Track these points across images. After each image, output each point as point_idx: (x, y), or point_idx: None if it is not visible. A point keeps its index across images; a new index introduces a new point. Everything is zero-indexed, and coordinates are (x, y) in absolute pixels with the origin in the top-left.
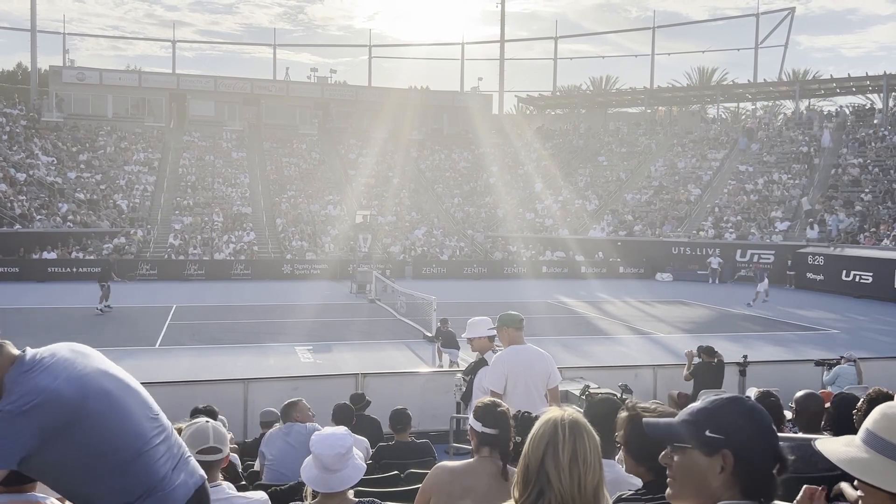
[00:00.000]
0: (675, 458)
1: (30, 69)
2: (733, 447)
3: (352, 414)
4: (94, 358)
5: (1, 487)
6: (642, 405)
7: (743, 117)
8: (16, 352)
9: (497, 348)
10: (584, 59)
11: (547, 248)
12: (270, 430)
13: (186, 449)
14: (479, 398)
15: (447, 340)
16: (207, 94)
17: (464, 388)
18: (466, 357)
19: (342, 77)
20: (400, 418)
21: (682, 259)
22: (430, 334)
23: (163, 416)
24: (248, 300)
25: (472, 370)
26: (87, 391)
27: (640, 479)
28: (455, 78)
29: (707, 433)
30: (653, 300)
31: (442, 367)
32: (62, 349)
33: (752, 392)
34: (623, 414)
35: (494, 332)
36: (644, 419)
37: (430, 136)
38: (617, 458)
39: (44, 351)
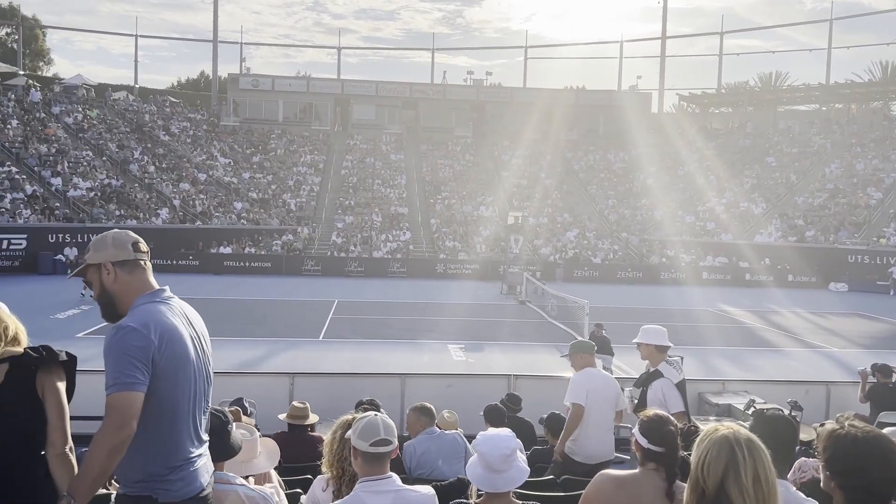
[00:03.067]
0: None
1: (211, 77)
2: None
3: (503, 415)
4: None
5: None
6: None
7: None
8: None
9: (671, 358)
10: (751, 54)
11: (708, 252)
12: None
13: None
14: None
15: (601, 346)
16: (369, 99)
17: (636, 401)
18: (620, 364)
19: (498, 79)
20: (555, 423)
21: (860, 268)
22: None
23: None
24: (404, 297)
25: (646, 382)
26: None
27: (815, 502)
28: (612, 77)
29: None
30: (826, 312)
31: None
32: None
33: None
34: (829, 429)
35: (669, 343)
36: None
37: (584, 136)
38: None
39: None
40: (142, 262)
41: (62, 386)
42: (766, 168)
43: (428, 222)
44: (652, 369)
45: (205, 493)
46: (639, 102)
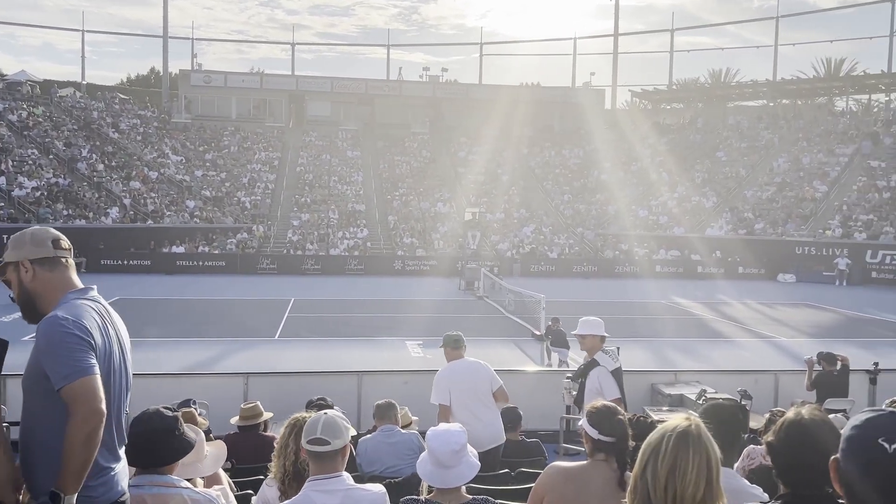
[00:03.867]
0: None
1: (161, 73)
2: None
3: None
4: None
5: (139, 470)
6: (802, 408)
7: (875, 110)
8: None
9: (607, 348)
10: (701, 51)
11: (661, 246)
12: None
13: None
14: (593, 401)
15: (557, 339)
16: (324, 95)
17: (574, 393)
18: (576, 357)
19: (454, 76)
20: (511, 417)
21: (807, 259)
22: (538, 333)
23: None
24: (362, 295)
25: (583, 373)
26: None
27: (761, 489)
28: (567, 74)
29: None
30: (775, 302)
31: (551, 366)
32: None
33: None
34: (785, 418)
35: (605, 333)
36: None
37: (540, 132)
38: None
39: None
40: (63, 260)
41: None
42: (717, 163)
43: (385, 219)
44: (589, 360)
45: (124, 497)
46: (593, 99)
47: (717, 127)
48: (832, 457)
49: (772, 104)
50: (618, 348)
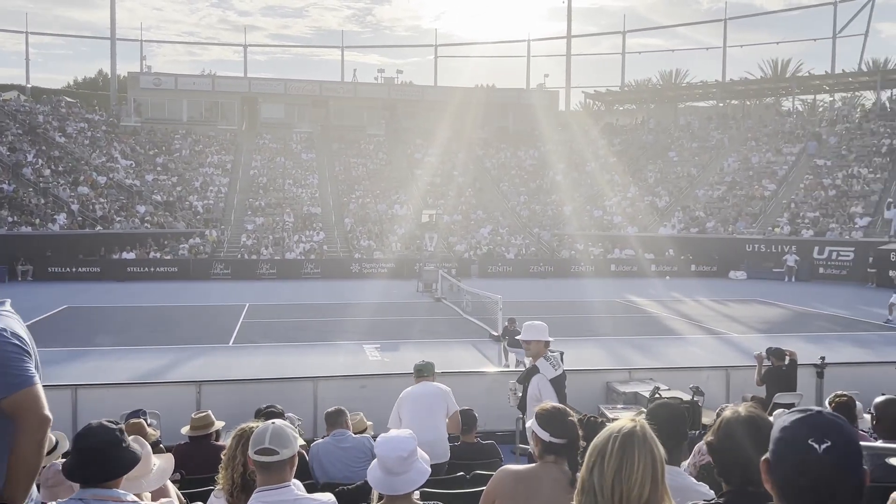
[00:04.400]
0: None
1: (109, 76)
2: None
3: None
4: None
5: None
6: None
7: (820, 110)
8: None
9: (551, 353)
10: (653, 52)
11: (615, 246)
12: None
13: None
14: (535, 406)
15: (514, 340)
16: (278, 97)
17: (519, 394)
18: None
19: (409, 77)
20: (466, 419)
21: (757, 256)
22: (496, 333)
23: None
24: (318, 299)
25: (526, 378)
26: None
27: (706, 486)
28: (521, 76)
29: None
30: (726, 299)
31: (508, 366)
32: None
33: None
34: (723, 417)
35: (550, 338)
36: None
37: (495, 134)
38: (686, 464)
39: None
40: None
41: None
42: (668, 163)
43: (342, 222)
44: (532, 365)
45: None
46: (547, 100)
47: (669, 127)
48: (763, 457)
49: (721, 105)
50: (561, 353)
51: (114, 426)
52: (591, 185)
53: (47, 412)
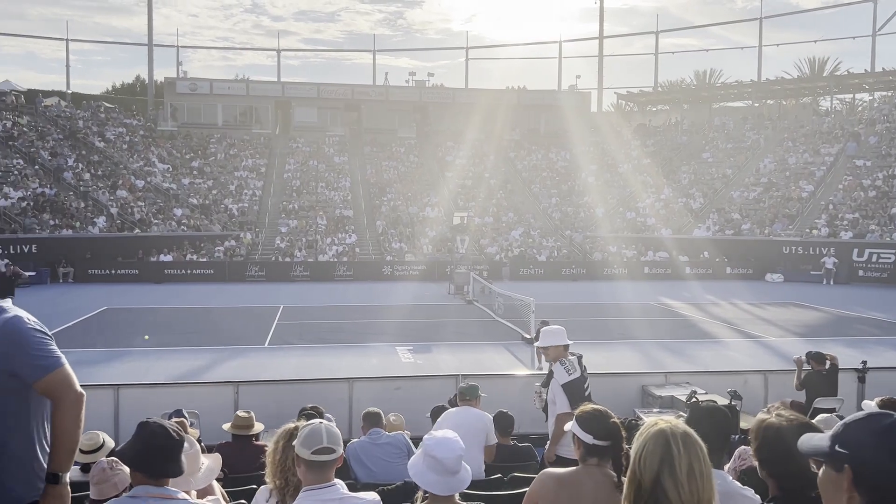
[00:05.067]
0: (819, 472)
1: (147, 81)
2: (854, 463)
3: None
4: None
5: (141, 477)
6: (780, 412)
7: (860, 109)
8: None
9: (569, 357)
10: (686, 52)
11: (649, 248)
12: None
13: None
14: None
15: None
16: (310, 101)
17: (544, 397)
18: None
19: (440, 80)
20: (502, 421)
21: (794, 259)
22: (528, 336)
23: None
24: (351, 301)
25: (547, 382)
26: None
27: (752, 491)
28: (552, 77)
29: (836, 448)
30: (763, 302)
31: (541, 369)
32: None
33: (869, 403)
34: (758, 419)
35: (568, 341)
36: (805, 433)
37: (526, 135)
38: (727, 468)
39: None
40: None
41: None
42: (703, 164)
43: (373, 224)
44: (550, 369)
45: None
46: (578, 102)
47: (703, 128)
48: (843, 466)
49: (757, 105)
50: (579, 357)
51: (174, 433)
52: (623, 186)
53: (80, 389)
